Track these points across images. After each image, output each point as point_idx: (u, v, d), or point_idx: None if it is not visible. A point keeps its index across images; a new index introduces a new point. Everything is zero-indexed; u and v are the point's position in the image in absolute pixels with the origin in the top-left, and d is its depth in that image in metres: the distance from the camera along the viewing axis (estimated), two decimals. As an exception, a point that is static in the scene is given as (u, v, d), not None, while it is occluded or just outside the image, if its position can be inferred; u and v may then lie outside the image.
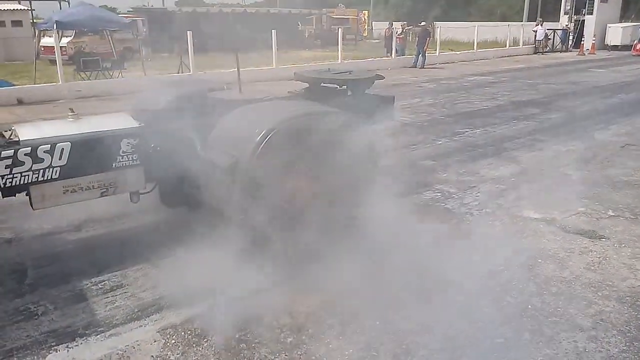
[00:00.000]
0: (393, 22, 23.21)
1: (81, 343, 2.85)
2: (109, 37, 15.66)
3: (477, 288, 3.45)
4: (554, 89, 12.86)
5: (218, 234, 3.38)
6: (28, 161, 3.16)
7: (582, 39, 25.77)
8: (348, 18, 35.77)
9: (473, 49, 23.16)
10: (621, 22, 27.18)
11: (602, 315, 3.16)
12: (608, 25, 26.73)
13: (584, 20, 26.96)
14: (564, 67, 18.83)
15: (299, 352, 2.81)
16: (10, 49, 21.76)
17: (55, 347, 2.82)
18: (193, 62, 14.18)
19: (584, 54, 24.33)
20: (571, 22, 27.51)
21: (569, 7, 27.62)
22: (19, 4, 25.12)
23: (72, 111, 3.60)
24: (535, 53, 25.20)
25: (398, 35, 20.68)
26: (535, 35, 25.62)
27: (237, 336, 2.93)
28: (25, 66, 16.51)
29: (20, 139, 3.24)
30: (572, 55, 24.11)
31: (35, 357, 2.75)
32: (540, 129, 8.33)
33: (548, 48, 25.85)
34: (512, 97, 11.70)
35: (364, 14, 40.69)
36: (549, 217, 4.65)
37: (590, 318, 3.13)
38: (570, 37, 27.21)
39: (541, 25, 25.59)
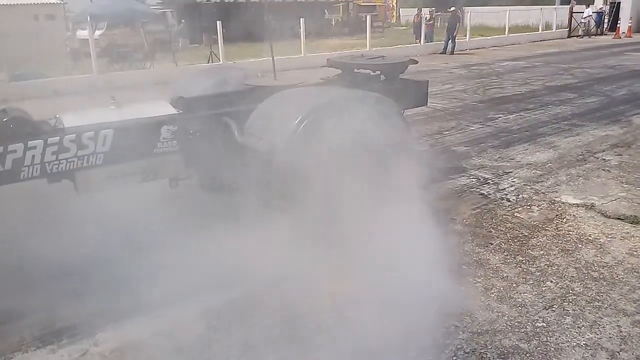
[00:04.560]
0: (422, 9, 22.89)
1: (128, 323, 2.94)
2: (141, 29, 15.89)
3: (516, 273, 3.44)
4: (589, 73, 12.53)
5: (256, 218, 3.43)
6: (73, 148, 3.25)
7: (618, 21, 24.93)
8: (375, 5, 35.41)
9: (504, 34, 22.67)
10: (659, 4, 26.21)
11: (647, 300, 3.10)
12: (645, 7, 25.83)
13: (620, 2, 26.07)
14: (600, 50, 18.30)
15: (340, 334, 2.84)
16: (43, 42, 22.27)
17: (103, 327, 2.92)
18: (223, 52, 14.28)
19: (620, 37, 23.56)
20: (606, 4, 26.65)
21: (604, -11, 26.79)
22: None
23: (113, 99, 3.68)
24: (569, 37, 24.53)
25: (427, 21, 20.40)
26: (570, 18, 24.84)
27: (278, 316, 2.98)
28: (59, 59, 16.86)
29: (65, 126, 3.33)
30: (607, 39, 23.38)
31: (85, 336, 2.85)
32: (577, 113, 8.14)
33: (582, 32, 25.12)
34: (546, 82, 11.45)
35: (392, 1, 40.24)
36: (588, 203, 4.57)
37: (634, 303, 3.08)
38: (606, 20, 26.39)
39: (587, 6, 24.78)
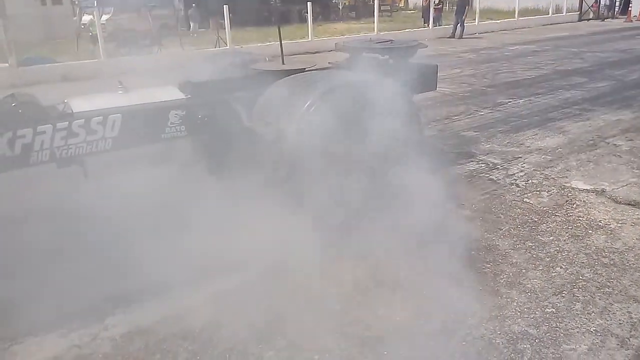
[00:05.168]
0: (430, -8, 22.60)
1: (137, 307, 2.96)
2: (148, 13, 15.80)
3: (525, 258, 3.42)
4: (600, 57, 12.36)
5: (266, 202, 3.42)
6: (82, 132, 3.25)
7: (630, 5, 24.51)
8: (383, -11, 34.95)
9: (514, 18, 22.37)
10: (673, -14, 25.67)
11: (658, 286, 3.08)
12: (659, -11, 25.31)
13: (632, -16, 25.62)
14: (611, 34, 18.03)
15: (348, 319, 2.84)
16: (51, 27, 22.18)
17: (112, 312, 2.93)
18: (230, 37, 14.20)
19: (632, 21, 23.18)
20: (619, -14, 26.21)
21: (616, -29, 26.29)
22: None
23: (121, 83, 3.66)
24: (580, 20, 24.17)
25: (435, 5, 20.15)
26: (581, 1, 24.37)
27: (287, 300, 2.98)
28: (67, 44, 16.83)
29: (74, 111, 3.32)
30: (618, 23, 23.03)
31: (94, 321, 2.87)
32: (588, 98, 8.04)
33: (593, 15, 24.73)
34: (556, 66, 11.31)
35: (400, -16, 39.69)
36: (598, 188, 4.53)
37: (645, 289, 3.06)
38: (617, 4, 25.95)
39: None
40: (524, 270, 3.28)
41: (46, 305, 2.98)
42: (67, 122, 3.19)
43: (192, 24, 21.65)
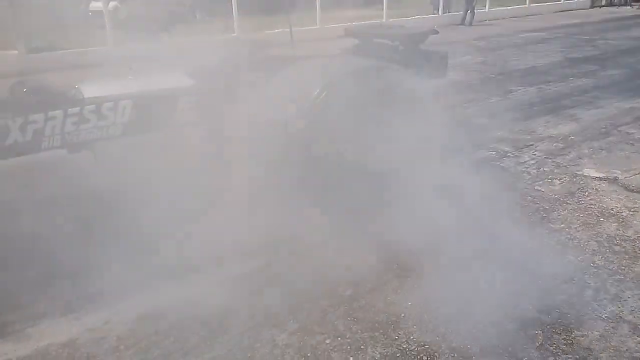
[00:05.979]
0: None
1: (148, 293, 2.98)
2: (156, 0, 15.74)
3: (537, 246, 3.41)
4: (613, 45, 12.18)
5: (274, 190, 3.42)
6: (93, 118, 3.25)
7: (644, -9, 24.11)
8: (392, -25, 34.58)
9: (525, 4, 22.09)
10: (688, -28, 25.20)
11: (671, 274, 3.06)
12: (673, -25, 24.85)
13: (647, -30, 25.16)
14: (624, 21, 17.76)
15: (358, 305, 2.85)
16: (58, 14, 22.16)
17: (124, 296, 2.95)
18: (238, 24, 14.14)
19: (645, 8, 22.83)
20: (632, -28, 25.75)
21: (630, -43, 25.80)
22: (66, -31, 25.43)
23: (132, 69, 3.66)
24: (592, 7, 23.83)
25: (445, -9, 19.92)
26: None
27: (300, 286, 2.99)
28: (74, 31, 16.80)
29: (85, 97, 3.32)
30: (632, 10, 22.65)
31: (107, 305, 2.89)
32: (600, 86, 7.95)
33: (605, 2, 24.36)
34: (568, 53, 11.16)
35: (409, -29, 39.28)
36: (611, 176, 4.49)
37: (658, 277, 3.04)
38: (630, -10, 25.52)
39: None
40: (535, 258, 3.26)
41: (61, 289, 3.01)
42: (79, 108, 3.20)
43: (199, 12, 21.56)
